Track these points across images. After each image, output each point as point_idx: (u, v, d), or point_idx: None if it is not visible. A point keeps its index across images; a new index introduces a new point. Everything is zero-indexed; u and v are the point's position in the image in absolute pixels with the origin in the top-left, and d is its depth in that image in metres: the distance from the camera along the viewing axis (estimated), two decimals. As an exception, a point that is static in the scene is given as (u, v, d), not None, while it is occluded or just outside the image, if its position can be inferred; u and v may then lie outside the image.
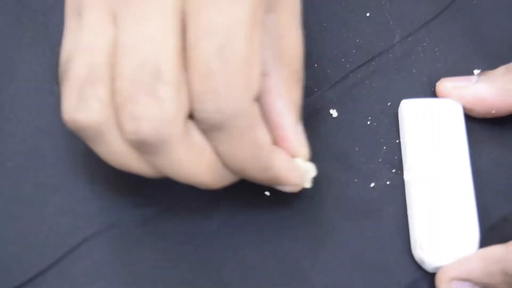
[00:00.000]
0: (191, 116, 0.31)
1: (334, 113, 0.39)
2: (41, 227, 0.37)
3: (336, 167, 0.38)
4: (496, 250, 0.34)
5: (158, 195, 0.38)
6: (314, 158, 0.35)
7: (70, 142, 0.39)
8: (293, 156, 0.34)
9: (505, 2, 0.41)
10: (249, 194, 0.37)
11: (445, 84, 0.38)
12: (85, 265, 0.36)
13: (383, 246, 0.36)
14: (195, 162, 0.31)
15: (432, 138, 0.37)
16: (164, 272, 0.36)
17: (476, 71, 0.39)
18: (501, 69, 0.37)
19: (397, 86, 0.39)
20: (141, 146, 0.31)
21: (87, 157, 0.38)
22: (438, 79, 0.39)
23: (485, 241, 0.35)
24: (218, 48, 0.29)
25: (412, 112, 0.37)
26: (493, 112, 0.37)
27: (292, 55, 0.34)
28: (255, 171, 0.32)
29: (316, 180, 0.36)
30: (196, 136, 0.31)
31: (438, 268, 0.35)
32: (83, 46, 0.31)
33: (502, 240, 0.34)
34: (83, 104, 0.30)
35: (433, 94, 0.39)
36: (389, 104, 0.38)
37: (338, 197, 0.34)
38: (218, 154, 0.32)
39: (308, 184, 0.35)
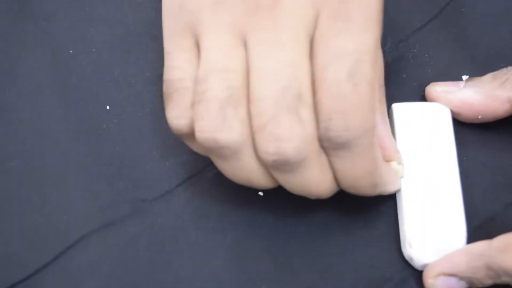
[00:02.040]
0: None
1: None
2: (40, 225, 0.38)
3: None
4: (480, 246, 0.34)
5: (153, 194, 0.38)
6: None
7: (69, 143, 0.40)
8: (389, 160, 0.36)
9: (492, 11, 0.41)
10: (242, 194, 0.37)
11: (434, 89, 0.39)
12: (82, 262, 0.37)
13: (373, 244, 0.37)
14: (321, 178, 0.33)
15: (422, 140, 0.37)
16: (159, 269, 0.37)
17: (464, 77, 0.40)
18: (488, 76, 0.38)
19: (388, 90, 0.39)
20: (279, 165, 0.31)
21: (84, 157, 0.39)
22: (427, 83, 0.39)
23: (472, 240, 0.35)
24: (348, 71, 0.30)
25: (403, 115, 0.38)
26: (479, 117, 0.38)
27: (380, 70, 0.35)
28: (367, 188, 0.34)
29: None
30: (323, 154, 0.32)
31: (426, 266, 0.35)
32: (218, 68, 0.31)
33: (488, 238, 0.34)
34: (225, 124, 0.31)
35: (423, 98, 0.39)
36: (380, 107, 0.39)
37: (330, 196, 0.35)
38: (334, 170, 0.33)
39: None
